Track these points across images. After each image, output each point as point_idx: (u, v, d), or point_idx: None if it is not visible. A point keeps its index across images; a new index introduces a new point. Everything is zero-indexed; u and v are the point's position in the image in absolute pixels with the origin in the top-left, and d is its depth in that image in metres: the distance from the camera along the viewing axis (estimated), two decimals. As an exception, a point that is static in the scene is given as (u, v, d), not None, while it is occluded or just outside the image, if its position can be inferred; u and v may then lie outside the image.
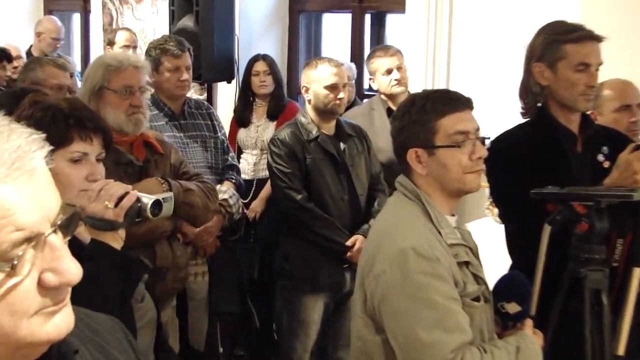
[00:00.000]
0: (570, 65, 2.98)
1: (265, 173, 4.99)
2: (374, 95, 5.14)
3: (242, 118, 5.61)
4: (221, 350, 4.65)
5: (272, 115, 5.52)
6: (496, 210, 3.65)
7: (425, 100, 2.39)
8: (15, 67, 6.17)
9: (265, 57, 5.64)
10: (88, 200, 2.27)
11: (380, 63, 4.84)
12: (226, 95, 6.35)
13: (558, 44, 3.00)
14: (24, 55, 6.86)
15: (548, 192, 2.71)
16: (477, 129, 2.39)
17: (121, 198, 2.29)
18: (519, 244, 3.06)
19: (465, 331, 2.23)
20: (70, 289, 1.07)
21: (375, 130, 4.69)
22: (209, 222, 3.88)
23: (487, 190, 3.47)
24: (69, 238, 1.08)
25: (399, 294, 2.25)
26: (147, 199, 2.38)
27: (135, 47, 6.77)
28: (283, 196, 4.19)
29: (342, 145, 4.28)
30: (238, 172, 4.62)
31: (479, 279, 2.39)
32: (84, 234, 2.22)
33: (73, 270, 1.05)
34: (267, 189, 5.20)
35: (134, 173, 3.30)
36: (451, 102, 2.38)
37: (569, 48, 2.98)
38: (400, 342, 2.26)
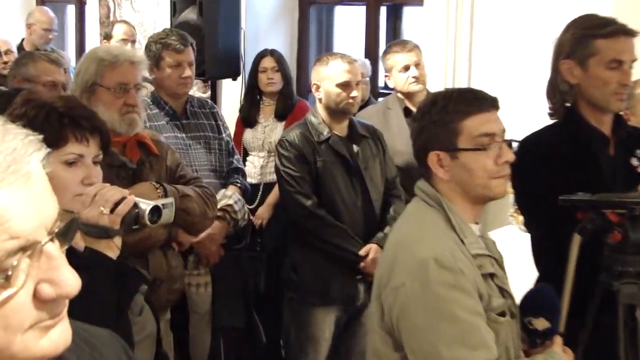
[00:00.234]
0: (602, 62, 2.97)
1: (273, 177, 4.99)
2: (389, 93, 5.14)
3: (248, 118, 5.61)
4: (224, 367, 4.64)
5: (280, 115, 5.53)
6: (521, 218, 3.64)
7: (447, 99, 2.39)
8: (5, 63, 6.18)
9: (273, 53, 5.65)
10: (82, 205, 2.27)
11: (397, 59, 4.83)
12: (231, 94, 6.35)
13: (588, 39, 2.98)
14: (14, 49, 6.87)
15: (578, 199, 2.69)
16: (504, 131, 2.39)
17: (117, 203, 2.29)
18: (546, 254, 3.05)
19: (490, 348, 2.22)
20: (67, 302, 1.07)
21: (391, 131, 4.68)
22: (206, 230, 3.87)
23: (511, 196, 3.46)
24: (66, 247, 1.07)
25: (419, 308, 2.24)
26: (145, 205, 2.38)
27: (134, 42, 6.79)
28: (292, 202, 4.19)
29: (355, 148, 4.28)
30: (244, 175, 4.61)
31: (504, 293, 2.38)
32: (78, 241, 2.21)
33: (71, 282, 1.04)
34: (274, 194, 5.19)
35: (127, 176, 3.28)
36: (476, 101, 2.37)
37: (600, 44, 2.97)
38: (419, 360, 2.26)
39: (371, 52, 6.41)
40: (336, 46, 6.96)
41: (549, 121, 3.16)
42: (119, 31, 6.77)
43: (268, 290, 4.97)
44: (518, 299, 2.50)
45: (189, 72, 4.32)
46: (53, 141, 2.29)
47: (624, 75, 2.98)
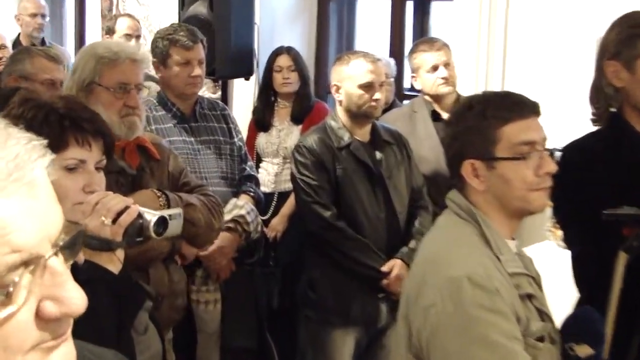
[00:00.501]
0: (651, 64, 2.95)
1: (288, 185, 5.00)
2: (416, 96, 5.12)
3: (262, 121, 5.63)
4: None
5: (296, 118, 5.55)
6: (560, 233, 3.61)
7: (485, 103, 2.38)
8: (-1, 59, 6.19)
9: (289, 50, 5.66)
10: (83, 214, 2.27)
11: (425, 58, 4.82)
12: (244, 94, 6.37)
13: (635, 39, 2.97)
14: (9, 44, 6.89)
15: (623, 213, 2.68)
16: (545, 139, 2.38)
17: (120, 213, 2.30)
18: (589, 274, 3.03)
19: (527, 376, 2.21)
20: (72, 321, 1.06)
21: (417, 136, 4.68)
22: (212, 242, 3.87)
23: (548, 209, 3.44)
24: (72, 262, 1.07)
25: (451, 331, 2.23)
26: (151, 216, 2.38)
27: (138, 37, 6.81)
28: (309, 213, 4.19)
29: (378, 154, 4.28)
30: (257, 183, 4.62)
31: (544, 315, 2.37)
32: (77, 253, 2.21)
33: (77, 300, 1.03)
34: (289, 204, 5.20)
35: (126, 183, 3.28)
36: (515, 106, 2.37)
37: (649, 43, 2.95)
38: (451, 387, 2.25)
39: (396, 50, 6.40)
40: (358, 44, 6.97)
41: (592, 128, 3.14)
42: (122, 25, 6.79)
43: (282, 309, 4.97)
44: (558, 322, 2.48)
45: (198, 70, 4.32)
46: (52, 145, 2.26)
47: (674, 78, 2.97)
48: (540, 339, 2.31)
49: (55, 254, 1.02)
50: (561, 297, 3.07)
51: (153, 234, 2.38)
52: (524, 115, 2.37)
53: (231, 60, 5.47)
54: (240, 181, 4.49)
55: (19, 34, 7.53)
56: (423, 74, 4.83)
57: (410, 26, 6.53)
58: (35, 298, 1.01)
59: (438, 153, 4.45)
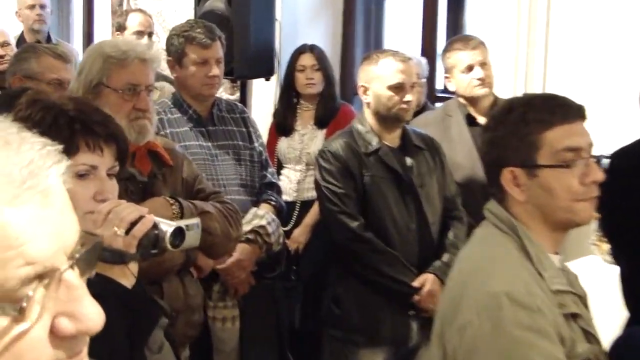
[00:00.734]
0: None
1: (311, 194, 5.00)
2: (449, 98, 5.12)
3: (283, 124, 5.63)
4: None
5: (320, 122, 5.55)
6: (606, 246, 3.61)
7: (526, 106, 2.38)
8: (1, 57, 6.22)
9: (313, 49, 5.67)
10: (94, 224, 2.28)
11: (459, 58, 4.82)
12: (264, 96, 6.38)
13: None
14: (13, 41, 6.92)
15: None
16: (591, 145, 2.38)
17: (134, 223, 2.30)
18: (638, 291, 3.02)
19: (572, 402, 2.20)
20: (88, 339, 1.07)
21: (451, 142, 4.68)
22: (229, 253, 3.87)
23: (593, 221, 3.43)
24: (88, 276, 1.07)
25: (489, 352, 2.23)
26: (167, 226, 2.38)
27: (150, 34, 6.82)
28: (334, 223, 4.19)
29: (408, 160, 4.28)
30: (279, 192, 4.62)
31: (590, 337, 2.36)
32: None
33: (94, 316, 1.04)
34: (313, 214, 5.20)
35: (137, 190, 3.29)
36: (560, 110, 2.36)
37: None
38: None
39: (428, 49, 6.41)
40: (387, 42, 6.98)
41: (642, 133, 3.14)
42: (133, 22, 6.79)
43: (305, 327, 4.97)
44: (605, 344, 2.47)
45: (216, 70, 4.32)
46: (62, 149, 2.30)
47: None
48: (586, 362, 2.31)
49: (71, 266, 1.03)
50: (609, 316, 3.06)
51: (169, 246, 2.38)
52: (569, 119, 2.36)
53: (250, 59, 5.48)
54: (261, 189, 4.49)
55: (22, 32, 7.56)
56: (457, 74, 4.83)
57: (444, 23, 6.53)
58: (50, 314, 1.01)
59: (473, 159, 4.45)
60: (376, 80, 4.22)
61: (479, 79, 4.76)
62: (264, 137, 5.14)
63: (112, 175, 2.44)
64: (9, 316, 0.98)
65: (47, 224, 1.00)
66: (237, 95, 6.23)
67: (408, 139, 4.31)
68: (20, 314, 0.98)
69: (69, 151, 2.34)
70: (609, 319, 2.98)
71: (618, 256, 3.17)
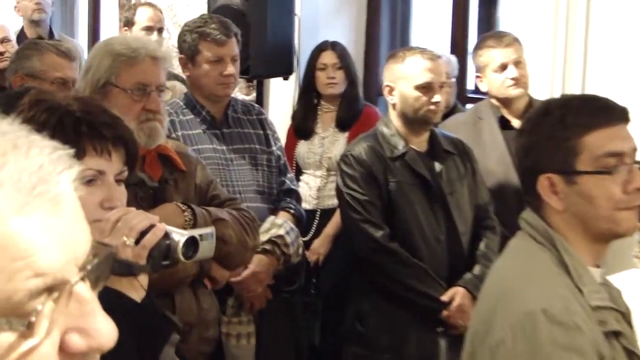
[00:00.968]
0: None
1: (332, 201, 5.01)
2: (481, 99, 5.12)
3: (302, 127, 5.65)
4: None
5: (343, 124, 5.55)
6: (650, 260, 3.60)
7: (564, 109, 2.38)
8: (1, 54, 6.25)
9: (334, 46, 5.67)
10: (101, 234, 2.28)
11: (492, 56, 4.81)
12: (282, 96, 6.39)
13: None
14: (13, 37, 6.95)
15: None
16: (635, 150, 2.37)
17: (144, 233, 2.30)
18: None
19: None
20: (99, 357, 1.08)
21: (482, 146, 4.67)
22: (246, 264, 3.87)
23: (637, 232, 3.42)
24: (99, 289, 1.08)
25: (523, 373, 2.23)
26: (179, 236, 2.38)
27: (160, 30, 6.84)
28: (357, 233, 4.20)
29: (437, 166, 4.28)
30: (298, 199, 4.63)
31: (633, 356, 2.35)
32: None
33: (106, 332, 1.04)
34: (334, 223, 5.21)
35: (147, 197, 3.30)
36: (601, 112, 2.36)
37: None
38: None
39: (458, 46, 6.41)
40: (414, 39, 6.98)
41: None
42: (142, 16, 6.81)
43: (325, 344, 4.97)
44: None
45: (231, 69, 4.33)
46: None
47: None
48: (628, 383, 2.31)
49: (82, 278, 1.03)
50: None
51: (181, 257, 2.38)
52: (611, 123, 2.36)
53: (268, 56, 5.49)
54: (279, 196, 4.50)
55: (22, 27, 7.58)
56: (490, 73, 4.82)
57: (475, 18, 6.53)
58: (59, 329, 1.01)
59: (507, 165, 4.44)
60: (402, 79, 4.22)
61: (513, 79, 4.75)
62: (282, 140, 5.15)
63: (121, 181, 2.45)
64: (17, 331, 0.98)
65: (58, 233, 1.00)
66: (254, 95, 6.23)
67: (437, 142, 4.31)
68: (28, 329, 0.98)
69: (75, 155, 2.35)
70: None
71: (663, 271, 3.16)
